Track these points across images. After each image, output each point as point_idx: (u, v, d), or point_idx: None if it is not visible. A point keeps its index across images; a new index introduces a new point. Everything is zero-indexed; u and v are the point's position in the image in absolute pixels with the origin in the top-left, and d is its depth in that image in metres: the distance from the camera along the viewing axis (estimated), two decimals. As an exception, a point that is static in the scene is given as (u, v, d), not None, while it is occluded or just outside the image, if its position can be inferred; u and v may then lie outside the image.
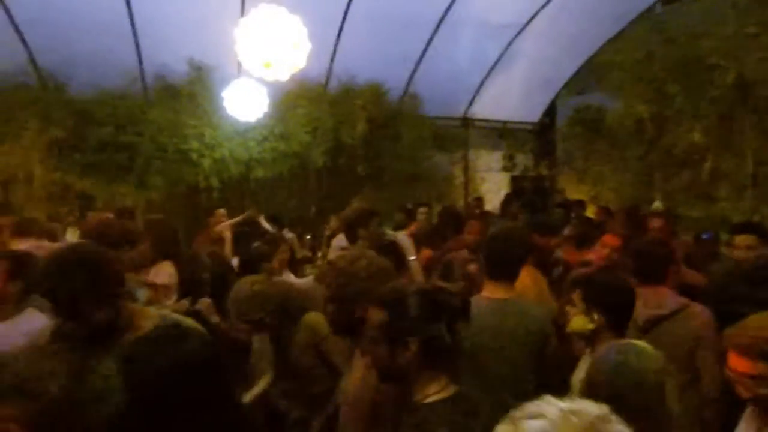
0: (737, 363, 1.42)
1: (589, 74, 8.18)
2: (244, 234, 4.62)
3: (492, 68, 7.75)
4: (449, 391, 1.28)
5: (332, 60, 6.93)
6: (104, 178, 6.12)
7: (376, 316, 1.34)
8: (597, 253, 3.35)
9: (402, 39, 7.00)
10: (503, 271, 2.32)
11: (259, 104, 5.93)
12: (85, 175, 6.08)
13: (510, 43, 7.47)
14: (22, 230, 3.33)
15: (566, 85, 8.45)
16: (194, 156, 6.34)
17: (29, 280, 2.26)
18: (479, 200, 8.00)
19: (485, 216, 6.08)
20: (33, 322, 2.23)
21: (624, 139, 7.56)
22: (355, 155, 7.11)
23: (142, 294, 2.27)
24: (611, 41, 7.45)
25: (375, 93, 7.15)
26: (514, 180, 8.69)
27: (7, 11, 5.86)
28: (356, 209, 3.35)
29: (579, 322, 2.09)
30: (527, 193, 8.36)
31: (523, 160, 8.80)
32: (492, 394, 2.13)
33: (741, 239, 2.98)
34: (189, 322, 1.71)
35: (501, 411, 2.36)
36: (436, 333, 1.29)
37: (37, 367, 1.06)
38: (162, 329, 1.52)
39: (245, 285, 2.38)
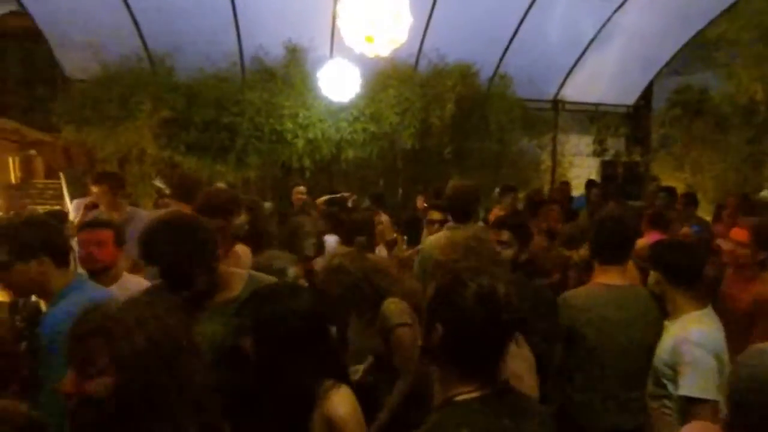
0: None
1: (692, 52, 7.61)
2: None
3: (587, 47, 7.38)
4: (482, 390, 1.18)
5: (423, 40, 6.88)
6: (207, 157, 6.47)
7: (430, 287, 1.27)
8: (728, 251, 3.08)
9: (494, 17, 6.83)
10: (615, 255, 2.25)
11: (352, 84, 6.02)
12: (190, 153, 6.45)
13: (608, 19, 7.06)
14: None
15: (664, 65, 7.91)
16: (289, 136, 6.56)
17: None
18: (565, 185, 7.71)
19: (563, 202, 5.89)
20: (133, 285, 2.44)
21: (731, 122, 7.01)
22: (442, 137, 7.06)
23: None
24: (722, 15, 6.86)
25: (464, 73, 7.03)
26: (605, 165, 8.30)
27: (125, 1, 6.28)
28: (466, 187, 3.21)
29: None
30: (618, 180, 7.98)
31: (614, 144, 8.37)
32: (606, 386, 2.13)
33: None
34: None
35: (613, 407, 2.25)
36: (466, 334, 1.16)
37: (127, 314, 1.11)
38: (281, 285, 1.70)
39: (328, 258, 2.44)
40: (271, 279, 1.87)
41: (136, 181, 6.51)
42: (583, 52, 7.46)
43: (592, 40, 7.33)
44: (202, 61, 6.56)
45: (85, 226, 2.55)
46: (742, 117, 6.81)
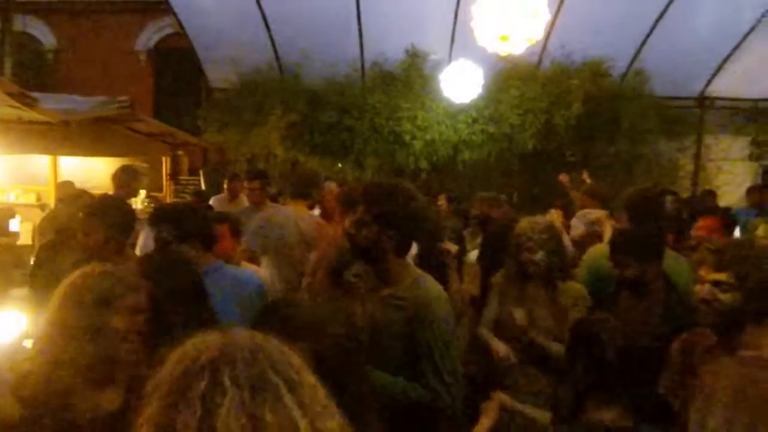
0: None
1: None
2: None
3: (747, 34, 6.43)
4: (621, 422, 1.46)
5: (547, 36, 6.53)
6: (329, 157, 6.75)
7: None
8: None
9: (629, 8, 6.28)
10: None
11: (474, 85, 5.90)
12: (313, 154, 6.78)
13: (776, 1, 6.10)
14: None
15: None
16: (407, 138, 6.60)
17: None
18: (711, 193, 6.72)
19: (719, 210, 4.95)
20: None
21: None
22: (566, 138, 6.61)
23: None
24: None
25: (593, 71, 6.54)
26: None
27: (263, 15, 6.84)
28: (646, 191, 2.92)
29: None
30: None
31: (777, 147, 7.17)
32: None
33: None
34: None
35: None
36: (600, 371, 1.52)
37: (324, 310, 1.21)
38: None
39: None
40: (437, 284, 1.82)
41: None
42: (740, 42, 6.52)
43: (753, 27, 6.38)
44: (326, 68, 6.90)
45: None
46: None
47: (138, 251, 3.71)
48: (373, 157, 6.73)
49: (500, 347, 2.34)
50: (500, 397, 1.96)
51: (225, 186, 5.35)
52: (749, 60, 6.68)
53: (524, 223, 2.50)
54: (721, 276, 1.48)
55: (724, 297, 1.47)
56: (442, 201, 5.67)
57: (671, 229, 3.30)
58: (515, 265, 2.46)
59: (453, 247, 2.88)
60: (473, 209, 3.98)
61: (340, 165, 6.75)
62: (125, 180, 4.11)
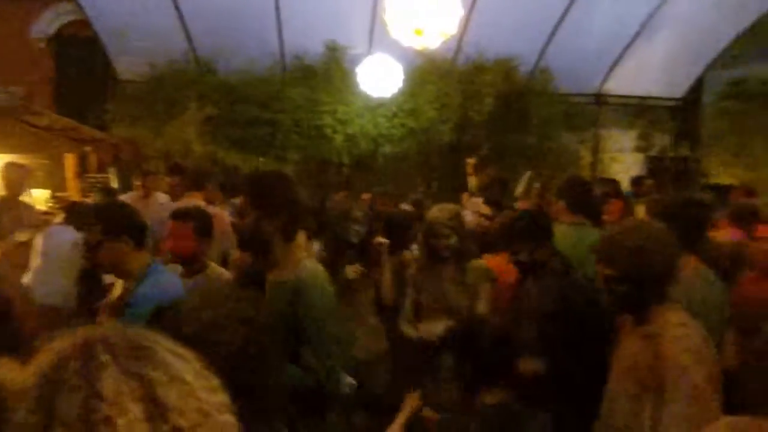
0: None
1: (748, 42, 7.21)
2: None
3: (633, 39, 7.12)
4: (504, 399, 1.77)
5: (462, 34, 6.83)
6: (249, 152, 6.66)
7: None
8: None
9: (535, 10, 6.71)
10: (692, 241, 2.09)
11: (393, 80, 6.06)
12: (233, 149, 6.65)
13: (658, 8, 6.79)
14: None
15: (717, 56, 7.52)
16: (328, 132, 6.65)
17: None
18: (613, 181, 7.40)
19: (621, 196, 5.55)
20: (221, 277, 2.45)
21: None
22: (480, 132, 6.99)
23: None
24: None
25: (504, 68, 6.95)
26: (651, 161, 7.96)
27: (177, 7, 6.56)
28: (581, 180, 3.31)
29: None
30: (666, 175, 7.62)
31: (660, 140, 8.03)
32: None
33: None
34: None
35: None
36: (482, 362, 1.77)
37: (221, 315, 1.11)
38: None
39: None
40: (319, 267, 1.89)
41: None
42: (629, 44, 7.21)
43: (639, 32, 7.07)
44: (245, 61, 6.77)
45: (170, 217, 2.52)
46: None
47: (38, 257, 3.51)
48: (294, 151, 6.73)
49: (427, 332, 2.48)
50: (412, 398, 2.01)
51: (138, 183, 5.14)
52: (637, 60, 7.40)
53: (435, 211, 2.61)
54: (609, 271, 1.63)
55: (618, 288, 1.62)
56: (366, 197, 5.82)
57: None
58: (427, 251, 2.60)
59: (384, 241, 2.97)
60: (375, 206, 4.14)
61: (262, 160, 6.68)
62: (13, 178, 3.86)
